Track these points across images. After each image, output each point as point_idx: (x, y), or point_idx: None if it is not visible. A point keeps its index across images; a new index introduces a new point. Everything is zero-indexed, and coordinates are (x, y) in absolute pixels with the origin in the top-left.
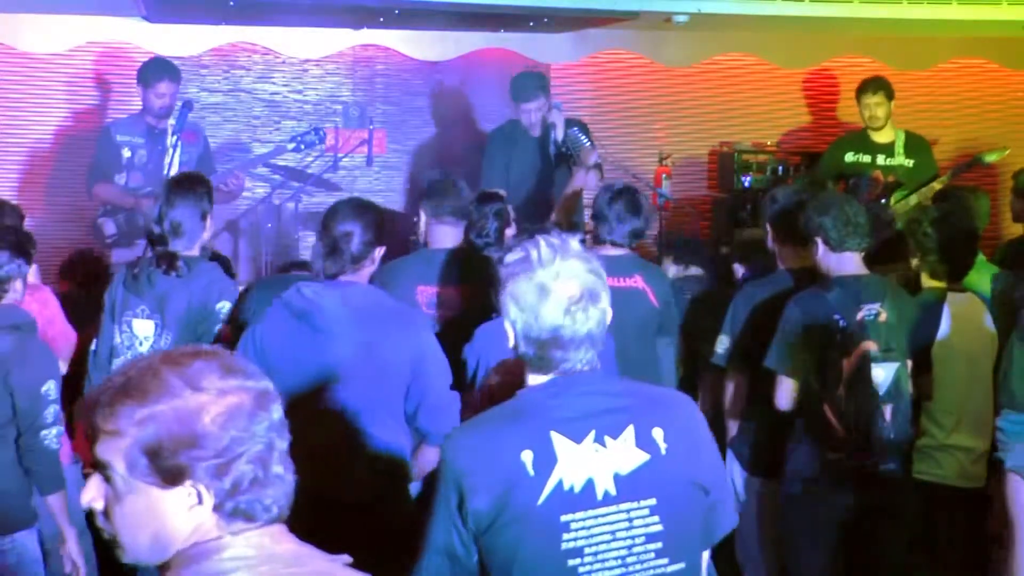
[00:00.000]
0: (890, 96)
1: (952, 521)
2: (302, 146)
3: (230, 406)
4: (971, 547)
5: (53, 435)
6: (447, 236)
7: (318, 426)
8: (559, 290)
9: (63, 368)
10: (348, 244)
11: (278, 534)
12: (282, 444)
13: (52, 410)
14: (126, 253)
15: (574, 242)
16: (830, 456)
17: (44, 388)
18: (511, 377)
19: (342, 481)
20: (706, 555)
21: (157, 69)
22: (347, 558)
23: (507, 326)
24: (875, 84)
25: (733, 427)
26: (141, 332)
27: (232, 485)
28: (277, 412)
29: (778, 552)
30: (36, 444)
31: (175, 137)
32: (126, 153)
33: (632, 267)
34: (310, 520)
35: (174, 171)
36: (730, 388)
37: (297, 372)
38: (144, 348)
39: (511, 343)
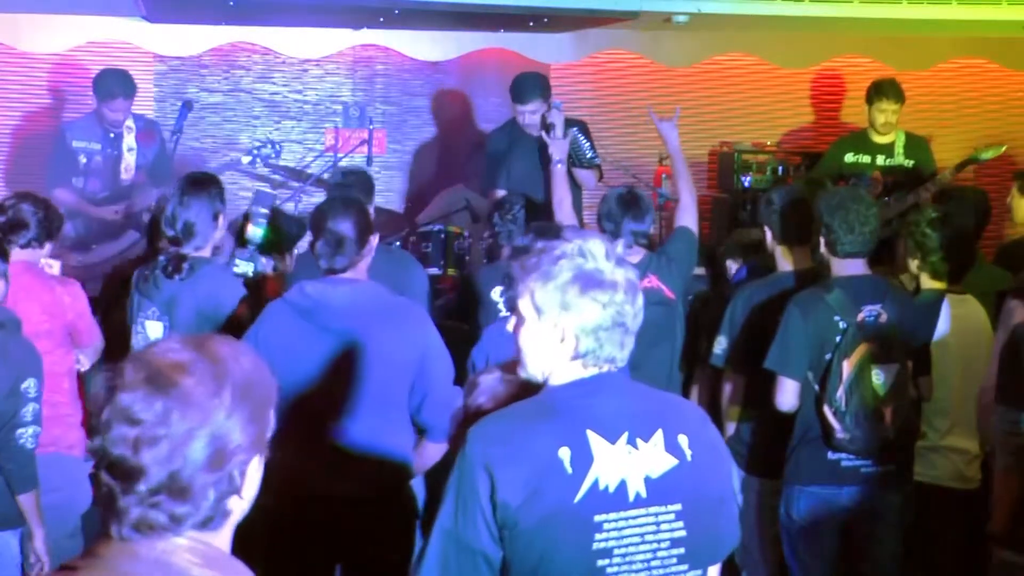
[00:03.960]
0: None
1: (947, 523)
2: (258, 160)
3: None
4: (967, 549)
5: (29, 434)
6: None
7: (324, 423)
8: (616, 281)
9: (85, 364)
10: (349, 237)
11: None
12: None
13: (31, 408)
14: (82, 256)
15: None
16: (830, 457)
17: (24, 386)
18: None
19: (347, 478)
20: (716, 571)
21: (113, 85)
22: None
23: (547, 321)
24: (895, 92)
25: (731, 427)
26: (153, 334)
27: None
28: None
29: (777, 552)
30: (11, 442)
31: (133, 139)
32: (82, 159)
33: (646, 268)
34: (314, 516)
35: (130, 175)
36: (728, 388)
37: (303, 370)
38: None
39: (550, 339)
